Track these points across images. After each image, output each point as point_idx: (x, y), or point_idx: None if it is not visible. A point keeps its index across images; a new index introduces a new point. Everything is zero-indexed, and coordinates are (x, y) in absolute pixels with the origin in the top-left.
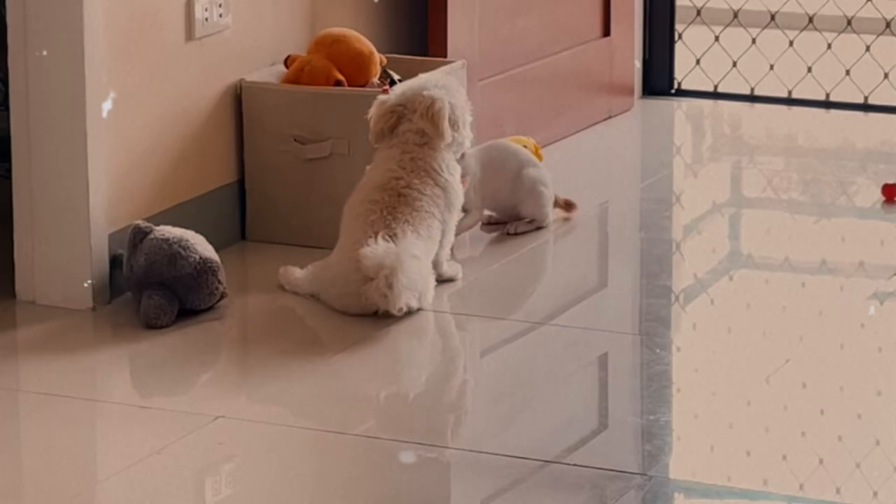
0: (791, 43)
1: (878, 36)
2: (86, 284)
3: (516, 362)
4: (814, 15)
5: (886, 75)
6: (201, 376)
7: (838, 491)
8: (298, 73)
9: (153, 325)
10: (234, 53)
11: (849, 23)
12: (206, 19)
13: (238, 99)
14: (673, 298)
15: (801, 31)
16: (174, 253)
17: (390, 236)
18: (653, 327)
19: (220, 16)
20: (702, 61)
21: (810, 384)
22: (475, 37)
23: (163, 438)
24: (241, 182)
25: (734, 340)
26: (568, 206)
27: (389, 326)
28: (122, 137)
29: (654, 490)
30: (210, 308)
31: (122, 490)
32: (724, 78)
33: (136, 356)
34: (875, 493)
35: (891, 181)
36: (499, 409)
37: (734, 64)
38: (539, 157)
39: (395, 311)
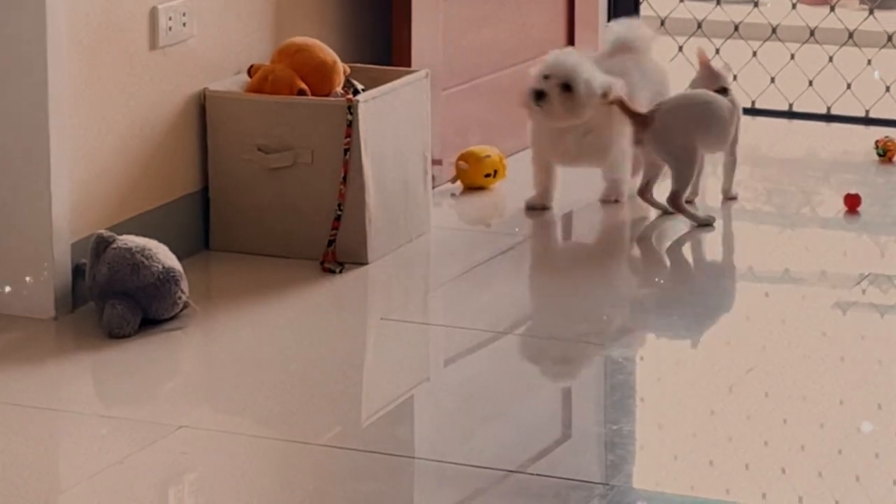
0: (754, 53)
1: (840, 47)
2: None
3: (480, 372)
4: (777, 26)
5: (849, 86)
6: (164, 386)
7: (801, 500)
8: (262, 82)
9: (116, 334)
10: (197, 62)
11: (812, 34)
12: (170, 28)
13: (202, 108)
14: (637, 308)
15: (765, 41)
16: (137, 262)
17: None
18: (616, 336)
19: (184, 25)
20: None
21: (773, 393)
22: (439, 46)
23: (125, 448)
24: (204, 191)
25: (697, 349)
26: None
27: (354, 335)
28: (85, 146)
29: (617, 500)
30: (173, 317)
31: (84, 500)
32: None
33: (98, 365)
34: (837, 502)
35: (853, 191)
36: (462, 419)
37: None
38: (503, 167)
39: None
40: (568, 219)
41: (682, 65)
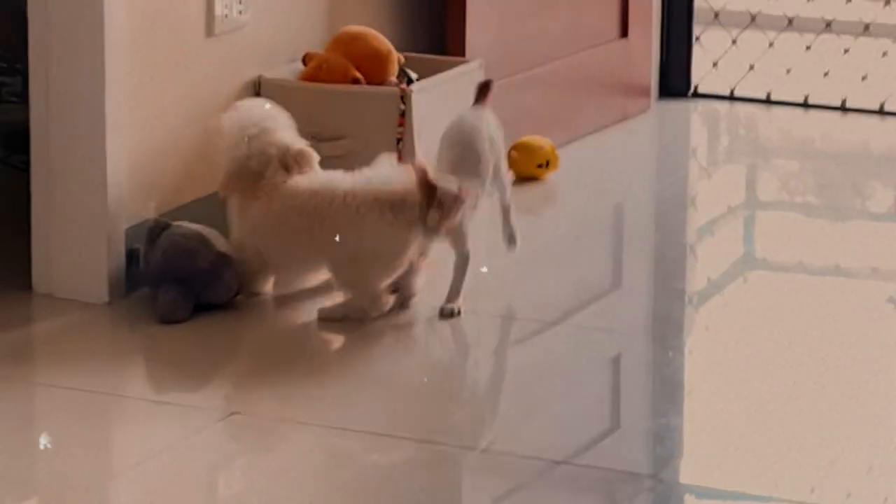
0: (808, 47)
1: (895, 41)
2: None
3: (528, 362)
4: (831, 20)
5: None
6: (217, 372)
7: (849, 496)
8: (316, 70)
9: (169, 319)
10: (253, 50)
11: (866, 28)
12: (226, 16)
13: (257, 95)
14: (686, 300)
15: (819, 34)
16: (191, 248)
17: None
18: (666, 329)
19: (240, 12)
20: (719, 64)
21: (823, 388)
22: (493, 36)
23: (177, 433)
24: None
25: (747, 343)
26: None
27: (404, 324)
28: (140, 132)
29: (665, 493)
30: (226, 303)
31: (135, 484)
32: (740, 81)
33: (151, 351)
34: (885, 499)
35: None
36: (510, 409)
37: (751, 67)
38: (555, 157)
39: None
40: (619, 211)
41: (736, 57)
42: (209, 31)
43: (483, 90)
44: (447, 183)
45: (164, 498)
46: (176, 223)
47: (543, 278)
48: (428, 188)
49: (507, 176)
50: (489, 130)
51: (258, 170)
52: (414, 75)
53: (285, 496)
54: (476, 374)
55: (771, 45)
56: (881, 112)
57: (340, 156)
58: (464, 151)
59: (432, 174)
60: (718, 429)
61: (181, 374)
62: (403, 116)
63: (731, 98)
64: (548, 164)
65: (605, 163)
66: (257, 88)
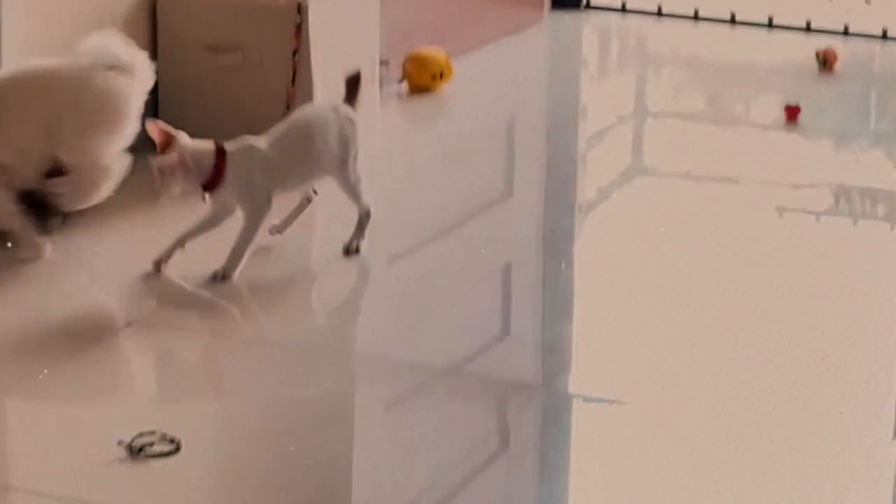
0: None
1: None
2: None
3: (418, 271)
4: None
5: None
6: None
7: (736, 399)
8: None
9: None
10: None
11: None
12: None
13: (153, 6)
14: (577, 210)
15: None
16: None
17: None
18: (556, 239)
19: None
20: None
21: (710, 295)
22: None
23: None
24: (154, 90)
25: (636, 252)
26: None
27: (294, 240)
28: (34, 42)
29: (553, 401)
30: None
31: None
32: None
33: None
34: (764, 394)
35: (792, 101)
36: (403, 317)
37: None
38: (449, 69)
39: None
40: (511, 121)
41: None
42: None
43: (353, 86)
44: (181, 147)
45: None
46: None
47: (435, 189)
48: (164, 142)
49: (360, 179)
50: (341, 129)
51: None
52: None
53: (187, 401)
54: (366, 283)
55: None
56: (770, 25)
57: (237, 67)
58: (300, 145)
59: (176, 136)
60: (607, 338)
61: None
62: (299, 29)
63: (623, 10)
64: (441, 75)
65: (498, 74)
66: (154, 1)
